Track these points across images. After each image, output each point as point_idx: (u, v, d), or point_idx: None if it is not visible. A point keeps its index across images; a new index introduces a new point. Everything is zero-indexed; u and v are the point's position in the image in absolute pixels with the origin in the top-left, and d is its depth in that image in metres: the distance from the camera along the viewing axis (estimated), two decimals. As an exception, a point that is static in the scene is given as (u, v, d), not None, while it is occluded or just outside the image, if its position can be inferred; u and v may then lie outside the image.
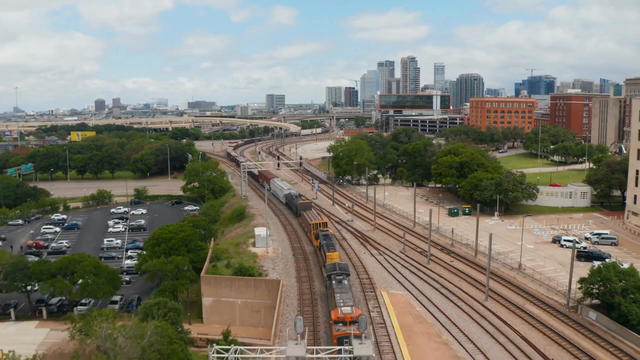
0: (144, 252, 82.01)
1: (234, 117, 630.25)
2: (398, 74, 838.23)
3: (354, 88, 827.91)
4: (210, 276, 69.49)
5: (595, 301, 62.27)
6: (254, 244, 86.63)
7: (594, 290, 61.00)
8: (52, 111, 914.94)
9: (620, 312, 57.00)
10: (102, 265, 74.36)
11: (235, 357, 30.77)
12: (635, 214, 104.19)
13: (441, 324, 58.27)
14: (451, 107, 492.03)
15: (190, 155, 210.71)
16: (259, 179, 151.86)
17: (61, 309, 75.78)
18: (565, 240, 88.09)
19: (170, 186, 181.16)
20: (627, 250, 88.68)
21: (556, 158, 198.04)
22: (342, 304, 52.45)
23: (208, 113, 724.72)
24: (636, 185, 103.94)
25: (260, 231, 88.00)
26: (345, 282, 59.33)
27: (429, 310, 61.77)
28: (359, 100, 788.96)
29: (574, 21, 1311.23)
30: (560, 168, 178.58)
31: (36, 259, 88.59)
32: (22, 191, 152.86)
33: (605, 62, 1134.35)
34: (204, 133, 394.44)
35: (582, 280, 61.88)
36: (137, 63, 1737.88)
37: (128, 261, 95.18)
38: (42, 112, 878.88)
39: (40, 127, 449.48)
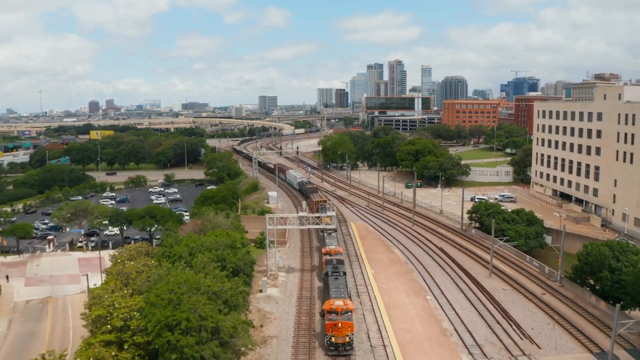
0: (193, 206, 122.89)
1: (230, 117, 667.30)
2: (386, 76, 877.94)
3: (344, 90, 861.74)
4: (244, 215, 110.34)
5: (478, 224, 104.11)
6: (267, 202, 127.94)
7: (474, 217, 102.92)
8: (46, 112, 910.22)
9: (485, 226, 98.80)
10: (173, 212, 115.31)
11: (277, 218, 71.77)
12: (536, 184, 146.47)
13: (382, 235, 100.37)
14: (435, 108, 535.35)
15: (203, 150, 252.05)
16: (274, 171, 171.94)
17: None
18: (477, 199, 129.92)
19: (189, 173, 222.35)
20: (521, 205, 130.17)
21: (508, 150, 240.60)
22: (329, 245, 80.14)
23: (204, 114, 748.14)
24: (536, 163, 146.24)
25: (272, 193, 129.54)
26: (333, 234, 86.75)
27: (377, 230, 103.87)
28: (349, 101, 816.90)
29: (563, 22, 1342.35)
30: (509, 158, 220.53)
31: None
32: (75, 176, 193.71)
33: (595, 62, 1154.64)
34: (206, 132, 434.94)
35: (468, 212, 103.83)
36: (130, 64, 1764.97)
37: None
38: (36, 114, 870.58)
39: (49, 128, 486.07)
